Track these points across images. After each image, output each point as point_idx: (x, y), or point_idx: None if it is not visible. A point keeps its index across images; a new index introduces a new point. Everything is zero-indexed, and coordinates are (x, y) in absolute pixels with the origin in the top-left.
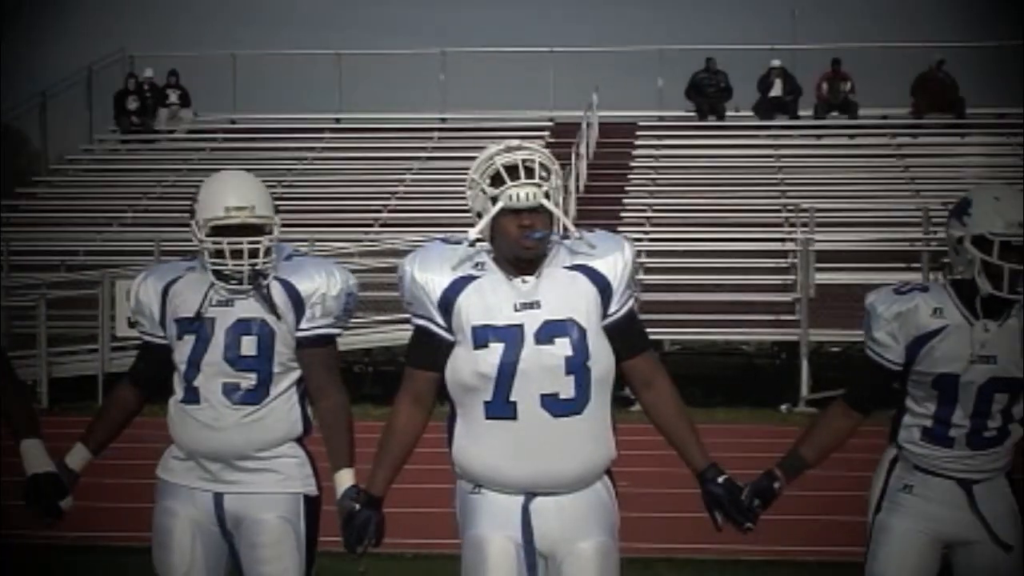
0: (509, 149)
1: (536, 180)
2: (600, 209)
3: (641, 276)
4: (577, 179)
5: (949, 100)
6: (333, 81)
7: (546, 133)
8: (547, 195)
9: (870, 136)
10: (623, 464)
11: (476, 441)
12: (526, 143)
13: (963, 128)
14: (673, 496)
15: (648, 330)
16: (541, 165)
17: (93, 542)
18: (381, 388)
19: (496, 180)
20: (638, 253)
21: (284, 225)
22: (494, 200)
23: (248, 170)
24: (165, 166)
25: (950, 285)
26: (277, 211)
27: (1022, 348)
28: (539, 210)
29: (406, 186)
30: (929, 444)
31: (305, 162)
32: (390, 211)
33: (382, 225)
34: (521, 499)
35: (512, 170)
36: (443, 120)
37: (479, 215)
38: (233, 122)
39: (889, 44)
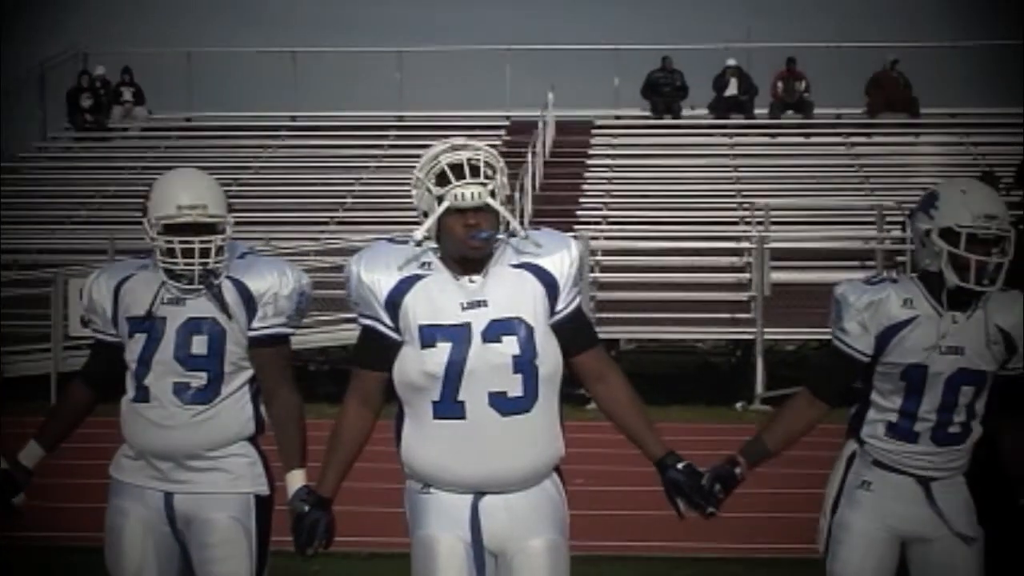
0: (454, 148)
1: (481, 179)
2: (556, 207)
3: (597, 274)
4: (533, 177)
5: (903, 100)
6: (289, 79)
7: (502, 131)
8: (492, 194)
9: (825, 135)
10: (578, 462)
11: (424, 441)
12: (471, 142)
13: (917, 128)
14: (626, 494)
15: (604, 328)
16: (486, 164)
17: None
18: (336, 387)
19: (441, 179)
20: (593, 251)
21: (239, 224)
22: (440, 199)
23: (203, 168)
24: (119, 164)
25: (918, 278)
26: (231, 209)
27: (986, 340)
28: (485, 209)
29: (362, 185)
30: (893, 439)
31: (261, 161)
32: (346, 210)
33: (338, 223)
34: (470, 498)
35: (457, 169)
36: (400, 119)
37: (425, 214)
38: (188, 120)
39: (844, 44)
